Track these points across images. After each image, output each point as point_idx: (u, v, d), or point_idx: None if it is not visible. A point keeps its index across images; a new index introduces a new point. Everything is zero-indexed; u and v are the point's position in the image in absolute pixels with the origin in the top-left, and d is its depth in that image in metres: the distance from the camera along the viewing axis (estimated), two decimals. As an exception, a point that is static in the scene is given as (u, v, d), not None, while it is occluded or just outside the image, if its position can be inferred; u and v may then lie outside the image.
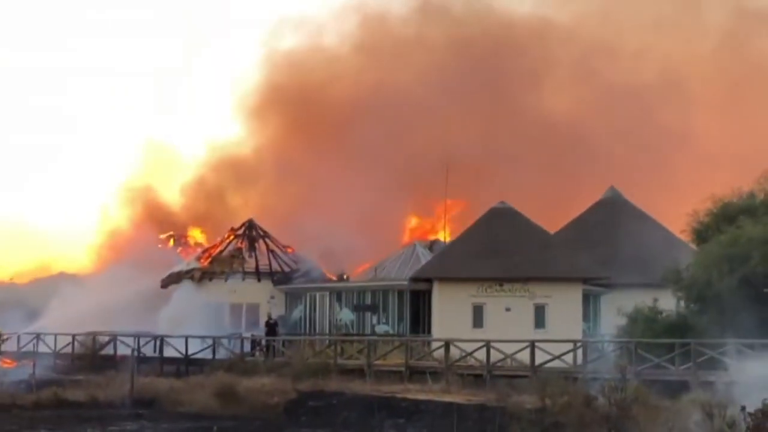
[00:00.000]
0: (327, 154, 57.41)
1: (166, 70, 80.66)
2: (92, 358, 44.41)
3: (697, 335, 32.68)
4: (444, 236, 53.01)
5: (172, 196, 60.99)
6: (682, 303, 36.76)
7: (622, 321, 38.14)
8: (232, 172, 60.72)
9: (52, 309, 51.80)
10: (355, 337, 44.01)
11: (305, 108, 61.81)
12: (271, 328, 45.00)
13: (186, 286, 50.12)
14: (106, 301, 49.67)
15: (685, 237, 41.19)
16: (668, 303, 37.61)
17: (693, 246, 39.43)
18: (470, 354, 36.13)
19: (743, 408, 15.53)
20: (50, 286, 56.22)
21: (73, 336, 45.64)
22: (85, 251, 61.41)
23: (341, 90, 62.66)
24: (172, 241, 56.62)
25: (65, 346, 46.03)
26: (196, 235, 56.86)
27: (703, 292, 34.70)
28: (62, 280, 57.66)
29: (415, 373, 36.29)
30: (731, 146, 61.92)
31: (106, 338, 45.50)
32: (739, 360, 30.23)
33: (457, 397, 31.86)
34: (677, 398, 26.00)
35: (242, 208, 54.32)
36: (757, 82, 64.20)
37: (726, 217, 36.47)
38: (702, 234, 37.82)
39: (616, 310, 39.33)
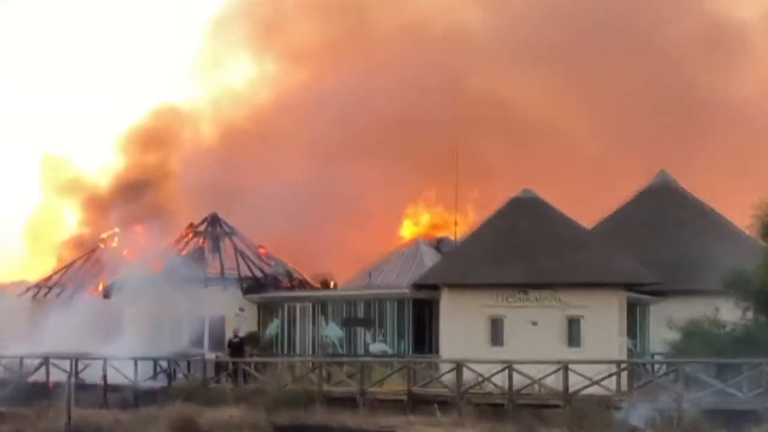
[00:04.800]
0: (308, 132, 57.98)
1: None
2: (20, 385, 44.36)
3: (770, 353, 32.90)
4: (454, 233, 53.05)
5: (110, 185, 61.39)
6: (750, 314, 36.93)
7: (675, 336, 38.44)
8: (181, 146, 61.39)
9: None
10: (345, 359, 44.13)
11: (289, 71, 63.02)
12: (236, 348, 45.09)
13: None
14: (36, 318, 49.89)
15: (752, 233, 41.27)
16: (732, 314, 37.67)
17: (762, 243, 39.44)
18: (488, 379, 36.48)
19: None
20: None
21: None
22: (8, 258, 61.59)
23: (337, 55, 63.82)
24: (116, 240, 56.59)
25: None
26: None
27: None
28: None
29: (419, 403, 36.43)
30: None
31: (37, 361, 45.52)
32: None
33: (472, 431, 32.07)
34: (745, 432, 26.21)
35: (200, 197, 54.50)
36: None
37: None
38: (774, 229, 38.04)
39: (666, 323, 39.51)
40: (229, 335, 47.04)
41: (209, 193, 55.28)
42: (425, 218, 60.63)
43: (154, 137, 60.85)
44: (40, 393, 43.01)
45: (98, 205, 58.92)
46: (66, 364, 44.02)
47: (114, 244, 56.02)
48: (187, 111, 62.98)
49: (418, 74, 60.38)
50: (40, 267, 56.90)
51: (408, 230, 60.23)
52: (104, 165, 61.68)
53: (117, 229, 56.07)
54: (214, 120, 63.12)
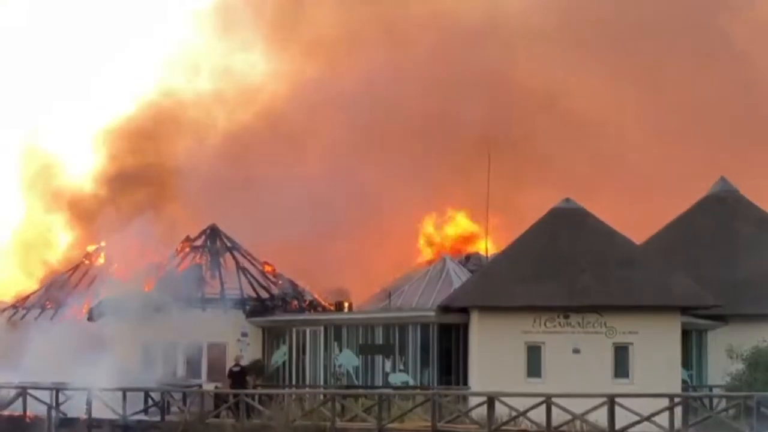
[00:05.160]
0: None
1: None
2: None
3: None
4: (486, 248, 52.88)
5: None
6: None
7: (737, 366, 39.72)
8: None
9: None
10: (361, 391, 44.03)
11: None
12: (238, 378, 44.80)
13: None
14: (12, 343, 49.59)
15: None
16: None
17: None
18: (523, 414, 36.18)
19: None
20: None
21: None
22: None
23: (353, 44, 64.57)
24: (103, 255, 56.21)
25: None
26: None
27: None
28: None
29: (445, 440, 36.10)
30: None
31: (13, 392, 45.24)
32: None
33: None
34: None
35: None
36: None
37: None
38: None
39: (727, 352, 40.85)
40: (230, 364, 46.80)
41: (210, 196, 55.29)
42: (452, 230, 60.84)
43: (150, 132, 60.83)
44: (17, 427, 43.30)
45: (85, 212, 58.60)
46: (46, 396, 43.77)
47: (101, 260, 55.78)
48: (189, 104, 63.22)
49: (448, 66, 61.13)
50: (18, 285, 56.67)
51: (432, 242, 60.98)
52: (93, 164, 61.73)
53: (104, 243, 55.80)
54: (218, 114, 63.37)
